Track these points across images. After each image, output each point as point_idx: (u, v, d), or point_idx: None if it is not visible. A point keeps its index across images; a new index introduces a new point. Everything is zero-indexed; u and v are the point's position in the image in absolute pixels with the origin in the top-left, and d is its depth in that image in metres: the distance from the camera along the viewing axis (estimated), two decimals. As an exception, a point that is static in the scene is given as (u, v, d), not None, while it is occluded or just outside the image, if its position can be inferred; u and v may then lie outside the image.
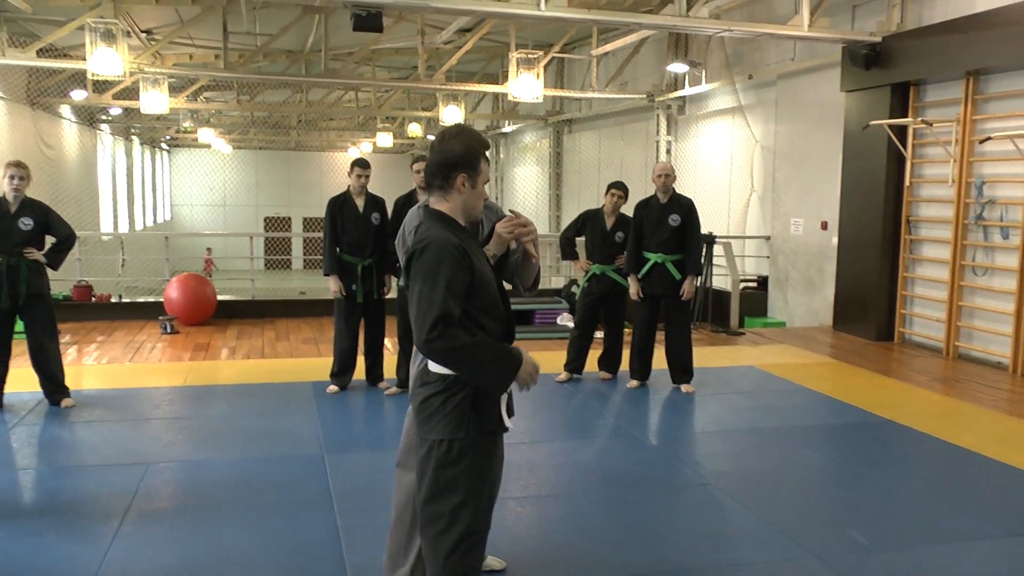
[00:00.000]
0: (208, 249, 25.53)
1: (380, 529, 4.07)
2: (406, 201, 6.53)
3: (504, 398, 2.82)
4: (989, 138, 7.87)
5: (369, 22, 7.90)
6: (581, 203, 16.36)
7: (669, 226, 6.74)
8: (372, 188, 6.74)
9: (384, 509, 4.33)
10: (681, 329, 6.96)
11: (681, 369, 6.99)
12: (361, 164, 6.63)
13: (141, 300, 10.86)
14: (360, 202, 6.63)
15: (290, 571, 3.67)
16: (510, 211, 3.03)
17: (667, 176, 6.78)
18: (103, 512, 4.30)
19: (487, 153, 2.94)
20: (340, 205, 6.63)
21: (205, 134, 23.79)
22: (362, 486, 4.70)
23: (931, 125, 8.55)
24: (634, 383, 7.07)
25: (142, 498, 4.49)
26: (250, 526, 4.14)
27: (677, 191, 6.92)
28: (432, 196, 2.85)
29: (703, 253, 10.06)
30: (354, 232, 6.59)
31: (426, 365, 2.79)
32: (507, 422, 2.81)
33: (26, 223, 5.92)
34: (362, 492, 4.60)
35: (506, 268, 3.05)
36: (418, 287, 2.65)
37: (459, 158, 2.78)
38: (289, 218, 31.98)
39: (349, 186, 6.66)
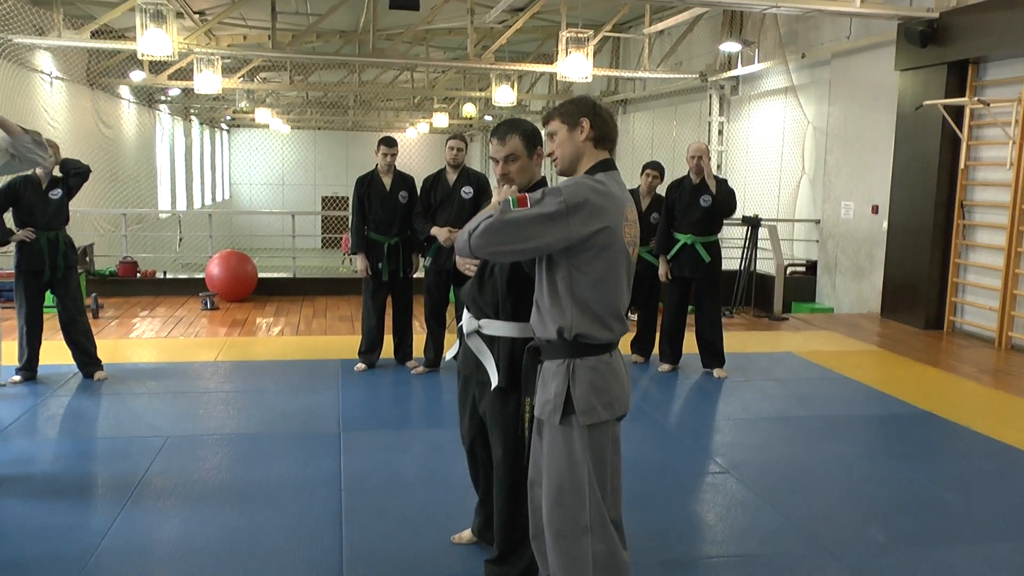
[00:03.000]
0: None
1: (382, 510, 4.05)
2: (435, 180, 6.48)
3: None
4: (1050, 119, 7.49)
5: (405, 1, 7.80)
6: (633, 183, 16.05)
7: (700, 207, 6.61)
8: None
9: (390, 489, 4.31)
10: (711, 312, 6.80)
11: (711, 353, 6.83)
12: (387, 142, 6.58)
13: (184, 276, 11.02)
14: (387, 180, 6.59)
15: (287, 551, 3.64)
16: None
17: (699, 158, 6.63)
18: (115, 484, 4.36)
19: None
20: (367, 184, 6.60)
21: (262, 114, 24.01)
22: (372, 466, 4.67)
23: (988, 105, 8.17)
24: (665, 367, 6.93)
25: (156, 470, 4.53)
26: (255, 503, 4.13)
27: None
28: None
29: (741, 227, 9.85)
30: (381, 210, 6.56)
31: None
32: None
33: (55, 194, 6.03)
34: (371, 472, 4.57)
35: None
36: None
37: None
38: (346, 197, 32.20)
39: (376, 165, 6.62)
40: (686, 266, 6.68)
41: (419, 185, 6.59)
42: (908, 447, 5.30)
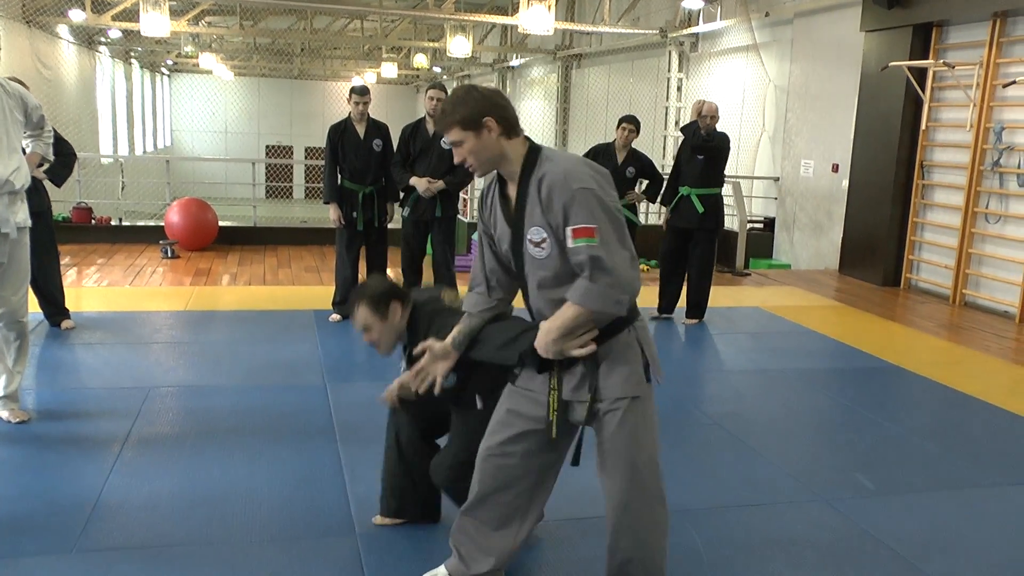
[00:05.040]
0: None
1: (380, 461, 4.03)
2: (414, 129, 6.40)
3: None
4: (1013, 82, 7.68)
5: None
6: (588, 139, 16.12)
7: (697, 160, 6.85)
8: (376, 119, 6.62)
9: (384, 440, 4.29)
10: (699, 263, 7.02)
11: (692, 303, 7.07)
12: (359, 91, 6.48)
13: (141, 224, 10.74)
14: (361, 129, 6.50)
15: (293, 502, 3.62)
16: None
17: (712, 118, 6.83)
18: (105, 436, 4.25)
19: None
20: (341, 132, 6.50)
21: (207, 60, 23.30)
22: (363, 418, 4.64)
23: (952, 68, 8.34)
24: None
25: (144, 422, 4.45)
26: (253, 455, 4.09)
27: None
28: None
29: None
30: (355, 159, 6.48)
31: None
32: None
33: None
34: (363, 424, 4.54)
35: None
36: None
37: None
38: (291, 147, 31.61)
39: (349, 113, 6.52)
40: (683, 217, 6.87)
41: (395, 135, 6.52)
42: (880, 398, 5.48)
